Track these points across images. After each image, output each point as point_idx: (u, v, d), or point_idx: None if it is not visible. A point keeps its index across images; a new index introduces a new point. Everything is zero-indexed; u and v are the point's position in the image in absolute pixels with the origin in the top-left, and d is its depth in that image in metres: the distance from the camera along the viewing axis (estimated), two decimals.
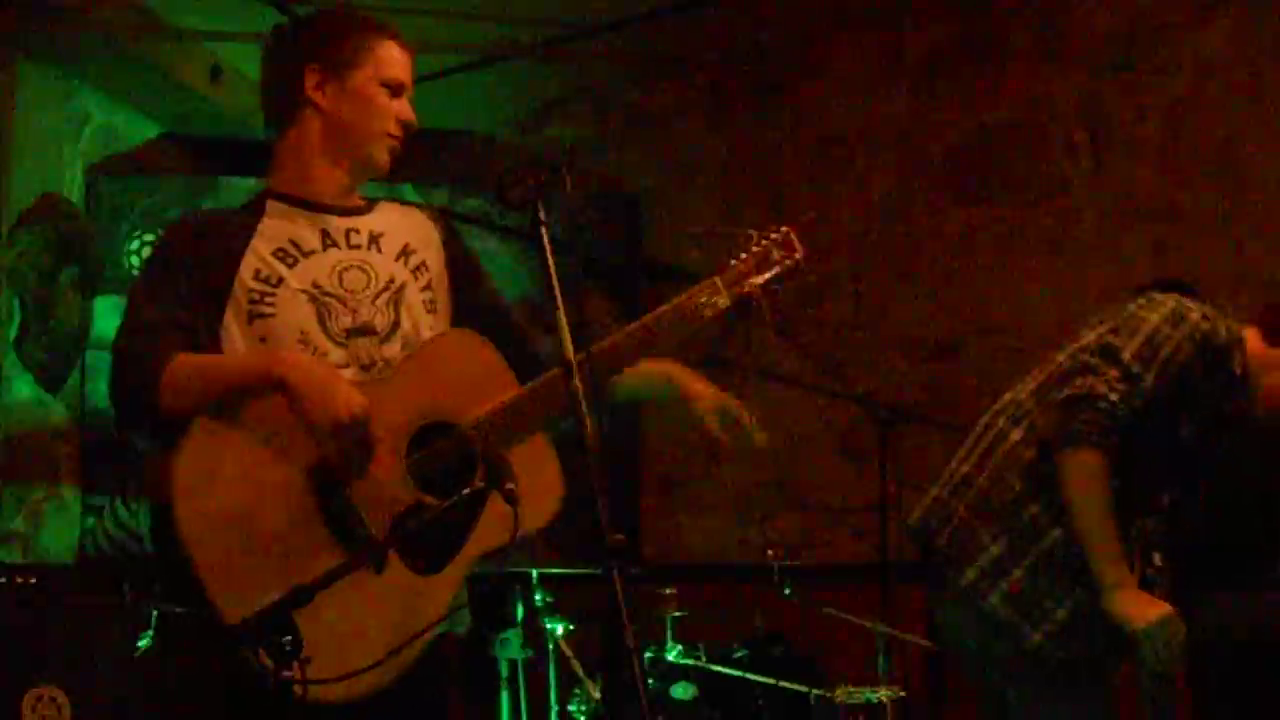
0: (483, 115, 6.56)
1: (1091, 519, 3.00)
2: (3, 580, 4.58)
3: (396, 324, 2.70)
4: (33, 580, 4.64)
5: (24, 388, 5.54)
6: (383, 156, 2.77)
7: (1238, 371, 3.13)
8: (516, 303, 6.23)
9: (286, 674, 2.15)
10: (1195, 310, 3.13)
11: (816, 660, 4.94)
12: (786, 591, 4.84)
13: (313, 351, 2.62)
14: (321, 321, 2.64)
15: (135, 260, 5.88)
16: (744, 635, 4.91)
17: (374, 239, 2.75)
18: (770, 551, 4.99)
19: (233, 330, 2.62)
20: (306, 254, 2.68)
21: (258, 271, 2.64)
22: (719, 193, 6.43)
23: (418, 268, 2.77)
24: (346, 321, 2.66)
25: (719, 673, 4.64)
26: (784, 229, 2.86)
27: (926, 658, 5.50)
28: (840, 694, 4.48)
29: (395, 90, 2.77)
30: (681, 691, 4.64)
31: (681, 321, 2.74)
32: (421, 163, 6.37)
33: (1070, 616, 3.06)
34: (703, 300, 2.76)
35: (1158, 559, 2.93)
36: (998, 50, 6.04)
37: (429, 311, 2.76)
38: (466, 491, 2.37)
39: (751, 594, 5.07)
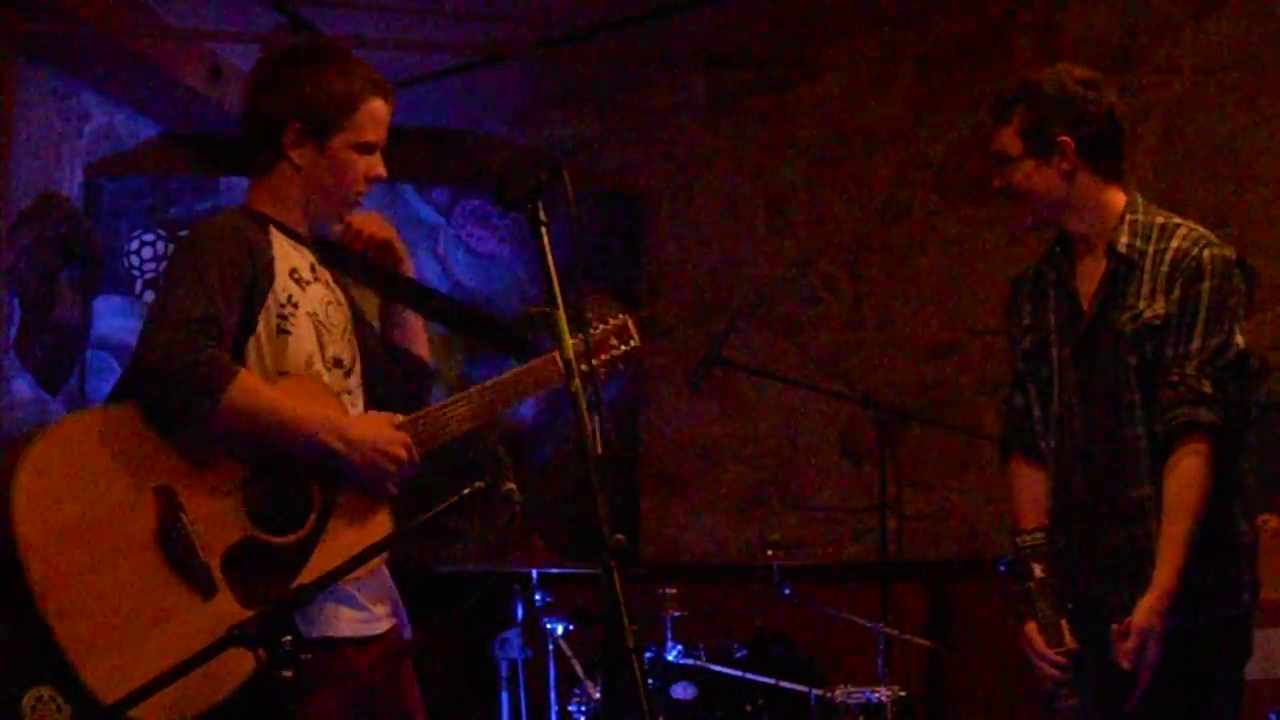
0: (483, 115, 6.56)
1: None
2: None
3: (354, 359, 2.80)
4: None
5: (24, 388, 5.53)
6: (346, 214, 2.84)
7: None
8: (516, 302, 6.23)
9: (286, 674, 2.15)
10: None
11: (816, 660, 4.93)
12: (786, 591, 4.84)
13: (316, 376, 2.68)
14: (321, 348, 2.70)
15: (135, 260, 5.87)
16: (744, 635, 4.90)
17: (326, 277, 2.82)
18: (770, 551, 4.99)
19: (261, 342, 2.63)
20: (307, 283, 2.73)
21: (285, 288, 2.67)
22: (719, 192, 6.43)
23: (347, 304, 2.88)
24: (331, 352, 2.73)
25: (719, 673, 4.63)
26: (622, 316, 2.96)
27: (926, 658, 5.50)
28: (840, 694, 4.48)
29: (370, 150, 2.78)
30: (681, 691, 4.63)
31: (517, 392, 2.81)
32: (421, 162, 6.39)
33: None
34: (541, 374, 2.81)
35: (1038, 570, 2.90)
36: (998, 50, 6.03)
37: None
38: (466, 491, 2.35)
39: (751, 594, 5.06)
